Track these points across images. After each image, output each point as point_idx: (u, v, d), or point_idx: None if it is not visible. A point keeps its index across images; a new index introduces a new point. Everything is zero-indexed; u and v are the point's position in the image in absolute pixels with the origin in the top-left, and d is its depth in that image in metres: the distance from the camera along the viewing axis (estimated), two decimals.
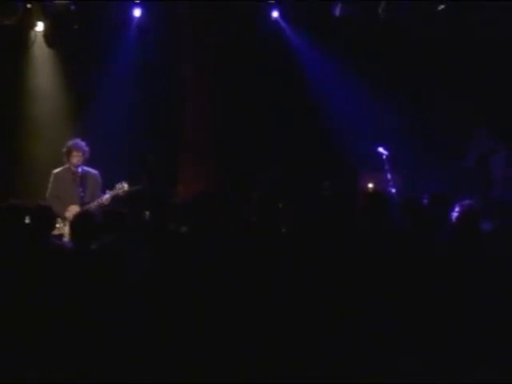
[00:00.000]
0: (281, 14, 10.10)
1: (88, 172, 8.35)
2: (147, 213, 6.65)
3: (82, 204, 8.15)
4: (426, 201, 6.42)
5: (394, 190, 9.02)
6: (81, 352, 4.76)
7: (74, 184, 8.26)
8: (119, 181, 8.38)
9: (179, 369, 4.84)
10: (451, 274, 5.32)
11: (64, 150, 8.33)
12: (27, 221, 5.58)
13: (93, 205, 8.16)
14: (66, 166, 8.36)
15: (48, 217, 5.64)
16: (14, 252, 5.27)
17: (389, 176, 9.11)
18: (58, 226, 7.68)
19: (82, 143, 8.34)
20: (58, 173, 8.38)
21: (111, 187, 8.33)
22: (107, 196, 8.21)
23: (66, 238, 7.08)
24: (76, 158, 8.26)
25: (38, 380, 4.70)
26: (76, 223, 5.47)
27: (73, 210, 7.92)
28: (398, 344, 5.03)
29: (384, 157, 9.13)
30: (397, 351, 5.01)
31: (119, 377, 4.75)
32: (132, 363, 4.80)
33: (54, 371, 4.71)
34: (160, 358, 4.85)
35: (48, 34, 9.92)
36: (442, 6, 9.57)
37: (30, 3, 9.52)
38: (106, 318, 4.87)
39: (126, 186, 8.25)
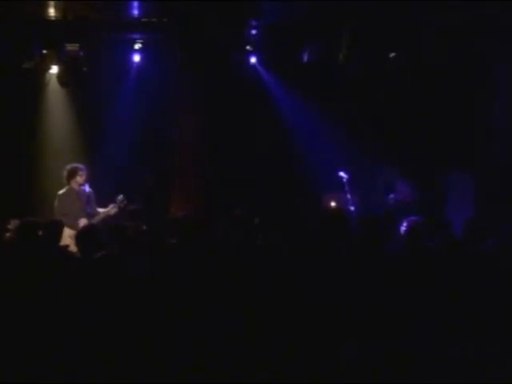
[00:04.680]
0: (258, 60, 10.27)
1: (89, 190, 8.41)
2: (144, 226, 6.67)
3: (88, 217, 8.09)
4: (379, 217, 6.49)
5: (352, 208, 9.13)
6: (82, 350, 4.70)
7: (79, 200, 8.27)
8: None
9: (178, 369, 4.76)
10: (398, 277, 5.34)
11: (66, 173, 8.37)
12: (40, 233, 5.60)
13: (100, 217, 8.11)
14: (68, 186, 8.39)
15: (58, 230, 5.65)
16: (28, 259, 5.23)
17: (348, 196, 9.23)
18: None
19: (82, 165, 8.43)
20: (62, 194, 8.41)
21: (112, 201, 8.37)
22: (114, 209, 8.21)
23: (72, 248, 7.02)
24: (81, 177, 8.33)
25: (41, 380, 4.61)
26: (81, 235, 5.46)
27: (83, 222, 7.86)
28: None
29: (344, 180, 9.26)
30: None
31: (119, 377, 4.66)
32: (131, 362, 4.72)
33: (56, 370, 4.63)
34: (156, 358, 4.78)
35: (61, 76, 10.08)
36: (393, 54, 9.70)
37: (46, 49, 9.61)
38: (107, 317, 4.83)
39: (123, 197, 8.20)
